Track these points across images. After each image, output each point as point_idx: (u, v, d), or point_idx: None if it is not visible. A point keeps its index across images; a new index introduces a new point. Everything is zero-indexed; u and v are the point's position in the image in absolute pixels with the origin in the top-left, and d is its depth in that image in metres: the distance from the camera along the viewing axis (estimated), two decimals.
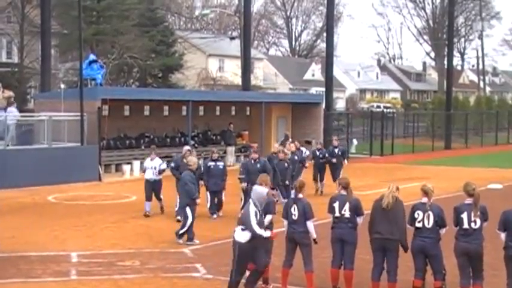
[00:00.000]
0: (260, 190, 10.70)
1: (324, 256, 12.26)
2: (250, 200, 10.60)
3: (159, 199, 18.72)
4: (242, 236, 10.37)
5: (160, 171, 18.53)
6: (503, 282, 10.29)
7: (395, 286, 10.67)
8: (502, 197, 19.76)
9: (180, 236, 14.91)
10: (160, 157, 19.76)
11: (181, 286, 11.73)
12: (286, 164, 19.06)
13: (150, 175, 18.48)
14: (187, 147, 18.75)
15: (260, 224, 10.45)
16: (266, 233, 10.47)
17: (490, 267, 10.51)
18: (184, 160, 17.55)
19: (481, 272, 10.32)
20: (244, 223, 10.39)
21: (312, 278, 10.97)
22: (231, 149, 33.09)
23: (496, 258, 10.44)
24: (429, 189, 10.54)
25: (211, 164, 18.27)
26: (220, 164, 18.52)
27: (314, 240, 11.02)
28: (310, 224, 10.98)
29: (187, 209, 14.85)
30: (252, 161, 18.12)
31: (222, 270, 12.62)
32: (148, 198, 18.50)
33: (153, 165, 18.51)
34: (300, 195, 11.18)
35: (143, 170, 19.10)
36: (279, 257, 11.59)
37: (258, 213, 10.44)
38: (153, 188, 18.49)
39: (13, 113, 26.23)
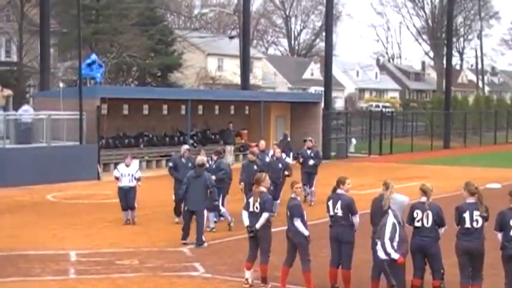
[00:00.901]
0: (401, 198, 10.07)
1: (323, 255, 12.28)
2: (390, 211, 10.06)
3: (132, 208, 17.33)
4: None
5: (138, 179, 17.28)
6: (502, 281, 10.30)
7: None
8: (501, 196, 19.75)
9: (203, 242, 14.59)
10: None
11: (180, 285, 11.74)
12: (255, 167, 17.45)
13: (126, 182, 17.12)
14: (186, 147, 18.25)
15: (401, 240, 9.69)
16: (394, 255, 9.75)
17: (489, 266, 10.53)
18: (183, 160, 17.35)
19: (480, 272, 10.30)
20: (380, 236, 9.91)
21: (310, 277, 10.97)
22: (230, 148, 33.11)
23: (495, 258, 10.44)
24: (428, 188, 10.56)
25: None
26: None
27: (307, 237, 10.93)
28: (297, 222, 10.94)
29: (206, 212, 14.70)
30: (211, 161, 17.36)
31: (220, 269, 12.65)
32: (125, 208, 17.30)
33: (130, 172, 17.19)
34: (293, 195, 11.21)
35: (117, 176, 17.29)
36: (278, 256, 11.60)
37: (398, 225, 9.82)
38: (126, 196, 17.17)
39: (29, 112, 26.75)
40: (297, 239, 10.97)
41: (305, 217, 11.11)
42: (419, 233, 10.47)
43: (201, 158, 15.32)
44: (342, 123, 44.59)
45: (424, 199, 10.54)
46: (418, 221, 10.45)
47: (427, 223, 10.40)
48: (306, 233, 10.95)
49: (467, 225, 10.17)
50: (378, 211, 10.67)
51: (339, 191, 11.18)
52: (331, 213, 11.13)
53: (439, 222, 10.42)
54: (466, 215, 10.18)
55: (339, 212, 11.03)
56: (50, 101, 27.50)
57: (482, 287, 10.37)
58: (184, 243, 14.66)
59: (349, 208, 11.04)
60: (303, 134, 36.63)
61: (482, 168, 32.47)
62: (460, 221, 10.23)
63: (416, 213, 10.49)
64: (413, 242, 10.53)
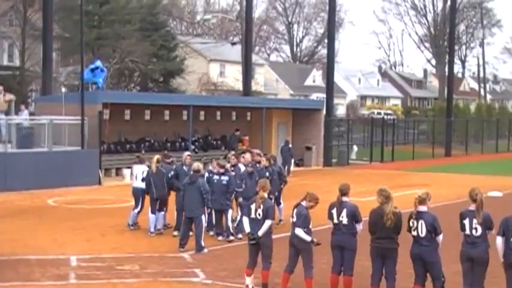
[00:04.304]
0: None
1: (323, 262, 12.26)
2: None
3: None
4: None
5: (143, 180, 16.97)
6: None
7: None
8: (502, 204, 19.75)
9: (202, 248, 14.57)
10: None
11: None
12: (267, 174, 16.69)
13: (139, 184, 17.04)
14: (187, 153, 17.91)
15: None
16: None
17: (489, 274, 10.50)
18: (185, 167, 16.67)
19: (481, 280, 10.23)
20: None
21: (311, 284, 10.96)
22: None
23: (495, 266, 10.42)
24: (418, 197, 10.54)
25: (216, 177, 16.08)
26: (225, 178, 15.98)
27: (312, 241, 10.88)
28: (297, 230, 10.90)
29: (203, 217, 14.66)
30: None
31: (220, 275, 12.63)
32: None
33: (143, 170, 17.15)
34: (303, 203, 11.15)
35: (136, 175, 17.19)
36: (278, 262, 11.59)
37: None
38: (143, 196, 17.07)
39: (24, 113, 27.19)
40: (302, 245, 10.96)
41: (310, 225, 11.07)
42: (416, 241, 10.46)
43: (197, 164, 15.15)
44: (344, 130, 44.61)
45: (421, 208, 10.51)
46: (414, 230, 10.46)
47: (421, 232, 10.40)
48: (308, 238, 10.92)
49: (467, 232, 10.20)
50: (378, 222, 10.62)
51: (343, 198, 11.16)
52: (335, 221, 11.12)
53: (432, 231, 10.37)
54: (466, 222, 10.21)
55: (344, 221, 11.02)
56: (52, 105, 27.52)
57: None
58: (182, 251, 14.64)
59: (354, 216, 11.04)
60: (304, 140, 36.77)
61: (484, 176, 32.45)
62: (461, 227, 10.26)
63: (412, 222, 10.49)
64: (412, 249, 10.53)
